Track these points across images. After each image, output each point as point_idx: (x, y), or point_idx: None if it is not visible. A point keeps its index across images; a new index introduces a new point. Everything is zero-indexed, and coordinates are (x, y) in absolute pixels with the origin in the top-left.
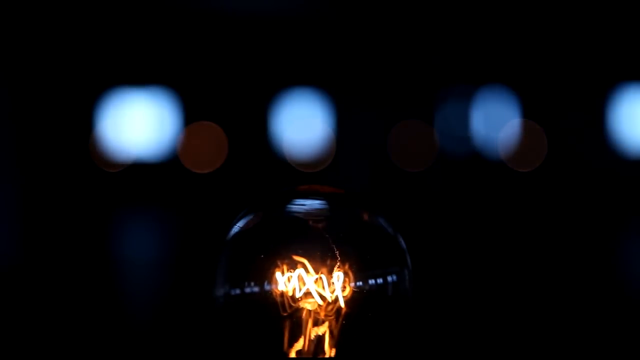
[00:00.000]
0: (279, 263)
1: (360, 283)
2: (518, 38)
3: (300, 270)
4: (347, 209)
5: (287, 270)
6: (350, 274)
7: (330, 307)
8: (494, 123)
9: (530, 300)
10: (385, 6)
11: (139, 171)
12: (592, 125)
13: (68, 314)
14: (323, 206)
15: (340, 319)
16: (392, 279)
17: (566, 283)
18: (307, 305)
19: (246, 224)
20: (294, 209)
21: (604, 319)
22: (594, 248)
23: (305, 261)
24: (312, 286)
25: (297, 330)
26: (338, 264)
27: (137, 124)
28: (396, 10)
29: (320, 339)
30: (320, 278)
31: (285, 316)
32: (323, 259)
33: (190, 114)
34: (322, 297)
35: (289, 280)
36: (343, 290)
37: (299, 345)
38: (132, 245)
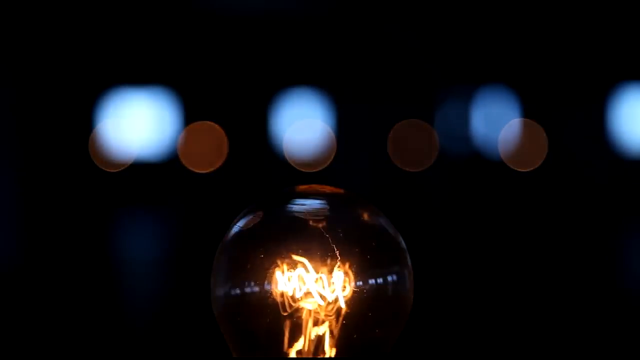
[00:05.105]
0: (279, 263)
1: (360, 283)
2: (518, 38)
3: (300, 270)
4: (347, 209)
5: (287, 270)
6: (350, 274)
7: (330, 307)
8: (494, 123)
9: (530, 300)
10: (385, 6)
11: (139, 171)
12: (592, 125)
13: (69, 314)
14: (323, 206)
15: (340, 319)
16: (392, 279)
17: (566, 282)
18: (307, 305)
19: (246, 224)
20: (294, 209)
21: (603, 317)
22: (593, 248)
23: (305, 261)
24: (312, 286)
25: (297, 330)
26: (338, 264)
27: (137, 124)
28: (396, 10)
29: (320, 339)
30: (320, 278)
31: (285, 316)
32: (323, 259)
33: (190, 114)
34: (322, 297)
35: (289, 280)
36: (343, 290)
37: (299, 345)
38: (132, 245)
